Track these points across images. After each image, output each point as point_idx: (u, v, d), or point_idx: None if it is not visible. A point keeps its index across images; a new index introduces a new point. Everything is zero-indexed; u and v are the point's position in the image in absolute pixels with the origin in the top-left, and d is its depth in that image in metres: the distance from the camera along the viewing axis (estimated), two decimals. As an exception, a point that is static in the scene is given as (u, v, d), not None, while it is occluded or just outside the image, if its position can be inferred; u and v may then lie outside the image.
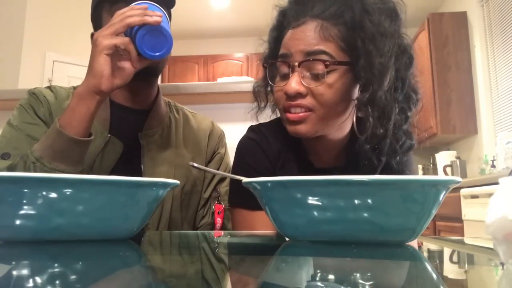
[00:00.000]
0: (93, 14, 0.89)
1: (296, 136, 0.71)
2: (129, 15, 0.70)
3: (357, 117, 0.74)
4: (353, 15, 0.68)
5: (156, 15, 0.71)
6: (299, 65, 0.68)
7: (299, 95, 0.67)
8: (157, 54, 0.72)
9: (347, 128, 0.77)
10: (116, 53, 0.70)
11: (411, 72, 0.71)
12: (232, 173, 0.79)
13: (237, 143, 0.81)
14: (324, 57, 0.67)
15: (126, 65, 0.72)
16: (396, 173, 0.77)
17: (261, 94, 0.81)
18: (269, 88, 0.80)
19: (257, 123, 0.83)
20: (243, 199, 0.74)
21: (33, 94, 0.86)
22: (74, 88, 0.92)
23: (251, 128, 0.82)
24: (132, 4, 0.75)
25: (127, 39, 0.70)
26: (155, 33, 0.71)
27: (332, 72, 0.67)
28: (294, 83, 0.67)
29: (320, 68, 0.67)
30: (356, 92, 0.71)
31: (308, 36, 0.68)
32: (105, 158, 0.82)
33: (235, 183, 0.78)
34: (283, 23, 0.75)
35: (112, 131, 0.84)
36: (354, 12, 0.68)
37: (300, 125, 0.69)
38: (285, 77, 0.71)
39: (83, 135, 0.70)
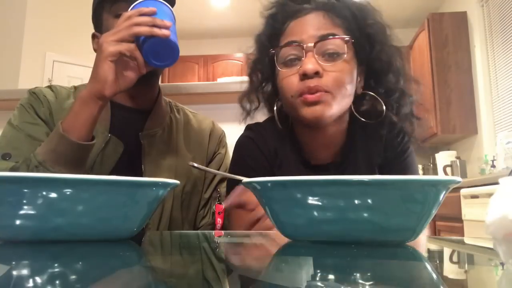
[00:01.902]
0: (94, 14, 0.88)
1: (314, 120, 0.69)
2: (137, 22, 0.68)
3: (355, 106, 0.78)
4: (349, 10, 0.73)
5: (164, 25, 0.69)
6: (314, 45, 0.68)
7: (316, 75, 0.68)
8: (163, 64, 0.71)
9: (345, 121, 0.78)
10: (120, 59, 0.70)
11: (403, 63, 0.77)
12: (230, 171, 0.79)
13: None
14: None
15: (130, 70, 0.71)
16: (396, 172, 0.78)
17: (252, 97, 0.82)
18: (263, 89, 0.82)
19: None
20: None
21: (33, 93, 0.86)
22: (75, 87, 0.92)
23: (248, 127, 0.84)
24: (137, 2, 0.74)
25: (133, 46, 0.69)
26: (162, 45, 0.69)
27: (344, 55, 0.70)
28: (312, 63, 0.67)
29: (336, 48, 0.69)
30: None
31: (318, 22, 0.71)
32: (106, 158, 0.82)
33: (232, 183, 0.79)
34: (275, 25, 0.77)
35: (112, 131, 0.84)
36: (349, 8, 0.73)
37: (319, 106, 0.68)
38: (293, 63, 0.71)
39: (86, 139, 0.70)
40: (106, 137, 0.82)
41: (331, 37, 0.69)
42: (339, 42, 0.70)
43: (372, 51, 0.73)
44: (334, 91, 0.69)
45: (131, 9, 0.73)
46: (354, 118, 0.76)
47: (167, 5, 0.75)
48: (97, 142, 0.80)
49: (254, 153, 0.78)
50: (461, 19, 3.66)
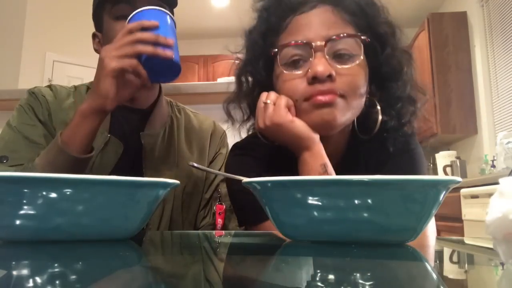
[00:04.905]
0: (94, 13, 0.88)
1: (324, 124, 0.62)
2: (140, 39, 0.67)
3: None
4: (358, 6, 0.65)
5: (167, 43, 0.69)
6: (325, 44, 0.61)
7: (328, 78, 0.60)
8: (164, 79, 0.72)
9: (348, 131, 0.71)
10: (121, 73, 0.70)
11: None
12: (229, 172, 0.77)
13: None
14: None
15: (131, 84, 0.72)
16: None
17: (241, 103, 0.73)
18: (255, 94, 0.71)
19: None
20: (252, 216, 0.68)
21: (32, 93, 0.86)
22: (75, 87, 0.92)
23: (235, 146, 0.77)
24: (139, 10, 0.73)
25: (135, 61, 0.68)
26: (165, 64, 0.70)
27: (359, 56, 0.63)
28: (323, 64, 0.60)
29: (349, 48, 0.62)
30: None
31: (327, 18, 0.63)
32: (105, 158, 0.81)
33: (238, 204, 0.74)
34: (271, 20, 0.69)
35: (112, 131, 0.84)
36: (358, 3, 0.65)
37: (331, 109, 0.61)
38: (297, 65, 0.63)
39: (85, 152, 0.71)
40: (105, 138, 0.82)
41: (344, 35, 0.62)
42: (352, 42, 0.63)
43: (381, 53, 0.66)
44: (349, 95, 0.62)
45: (132, 16, 0.72)
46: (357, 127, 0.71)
47: (168, 13, 0.74)
48: (96, 143, 0.80)
49: (251, 162, 0.72)
50: (461, 19, 3.66)
